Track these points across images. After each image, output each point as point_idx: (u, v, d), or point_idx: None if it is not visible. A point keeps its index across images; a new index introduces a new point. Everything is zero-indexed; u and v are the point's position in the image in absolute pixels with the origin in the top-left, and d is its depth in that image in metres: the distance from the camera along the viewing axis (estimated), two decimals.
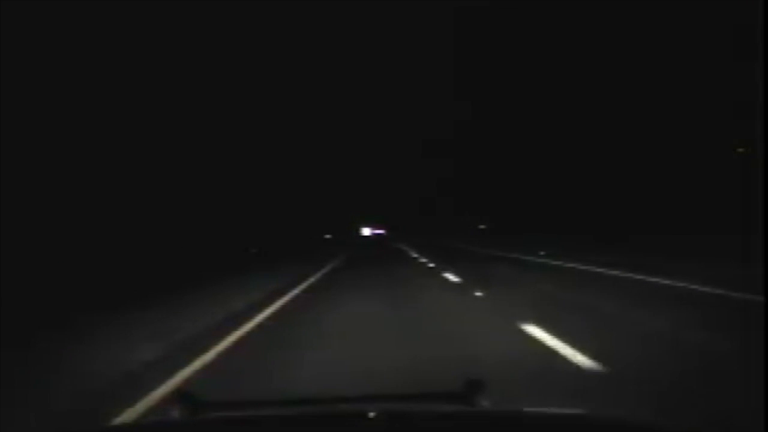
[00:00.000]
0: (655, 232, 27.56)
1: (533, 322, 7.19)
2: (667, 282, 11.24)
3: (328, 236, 77.07)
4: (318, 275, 18.01)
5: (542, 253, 22.34)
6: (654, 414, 3.81)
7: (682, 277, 11.33)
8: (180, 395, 1.98)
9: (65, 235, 20.07)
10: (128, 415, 4.30)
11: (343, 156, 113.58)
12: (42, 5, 20.09)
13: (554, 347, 5.92)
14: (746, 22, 24.67)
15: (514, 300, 9.99)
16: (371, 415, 1.78)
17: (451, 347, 6.18)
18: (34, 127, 19.86)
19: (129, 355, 6.30)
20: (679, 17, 32.07)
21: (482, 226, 72.17)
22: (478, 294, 11.03)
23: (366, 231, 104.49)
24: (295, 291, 13.22)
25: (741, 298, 8.84)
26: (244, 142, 41.37)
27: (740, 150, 28.06)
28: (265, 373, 5.50)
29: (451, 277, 14.71)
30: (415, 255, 24.76)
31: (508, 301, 9.98)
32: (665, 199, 33.57)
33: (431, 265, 20.30)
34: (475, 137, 70.39)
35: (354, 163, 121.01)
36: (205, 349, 6.60)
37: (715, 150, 30.31)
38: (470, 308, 9.34)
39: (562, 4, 43.04)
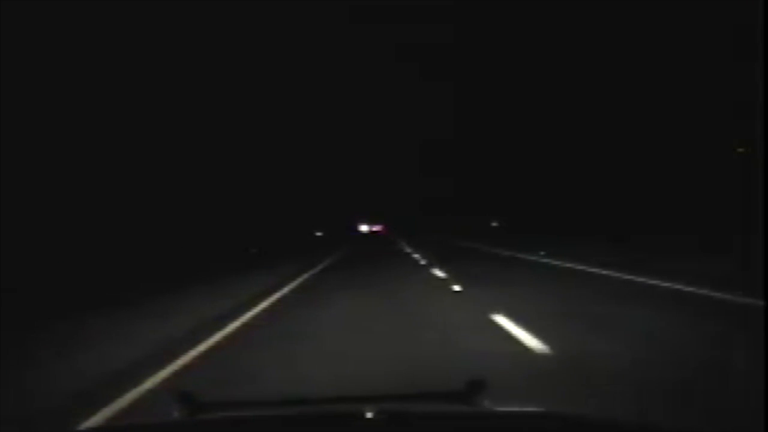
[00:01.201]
0: (656, 232, 27.53)
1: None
2: (669, 284, 11.28)
3: (318, 233, 71.42)
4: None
5: (542, 252, 22.31)
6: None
7: (677, 279, 11.39)
8: (180, 395, 1.97)
9: (65, 237, 20.06)
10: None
11: (345, 152, 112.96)
12: (42, 5, 20.11)
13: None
14: (746, 22, 24.67)
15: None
16: (371, 415, 1.78)
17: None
18: (35, 126, 19.87)
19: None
20: (679, 17, 32.08)
21: (494, 224, 69.93)
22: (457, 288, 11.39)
23: (364, 228, 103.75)
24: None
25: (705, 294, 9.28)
26: (242, 137, 41.30)
27: (740, 150, 28.05)
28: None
29: (439, 273, 14.83)
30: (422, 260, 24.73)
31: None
32: (666, 198, 33.57)
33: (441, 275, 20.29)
34: (482, 136, 70.40)
35: (355, 159, 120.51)
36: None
37: (715, 150, 30.30)
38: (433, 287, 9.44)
39: (567, 5, 43.11)
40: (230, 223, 36.30)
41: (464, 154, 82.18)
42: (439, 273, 15.94)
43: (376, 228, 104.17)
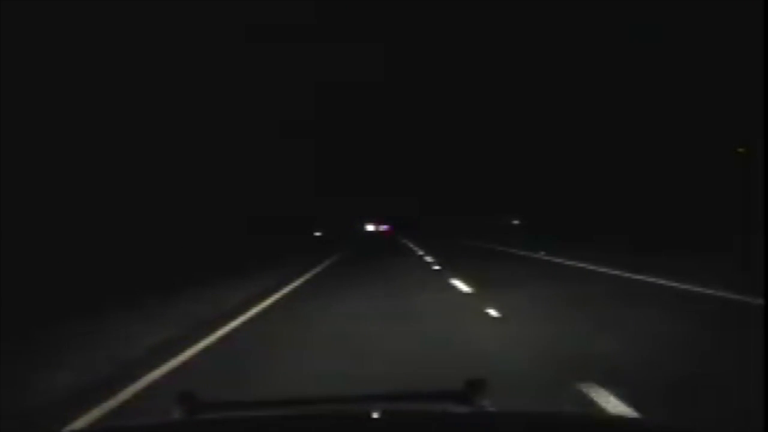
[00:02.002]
0: (656, 231, 27.51)
1: None
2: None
3: (317, 233, 67.13)
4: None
5: (543, 253, 22.19)
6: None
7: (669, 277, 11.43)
8: (180, 395, 1.97)
9: (67, 239, 19.97)
10: None
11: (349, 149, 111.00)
12: (42, 5, 20.10)
13: None
14: (747, 21, 24.69)
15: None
16: (371, 415, 1.78)
17: None
18: (35, 125, 19.85)
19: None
20: (680, 17, 32.16)
21: (515, 222, 64.67)
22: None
23: (370, 228, 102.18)
24: None
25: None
26: (240, 136, 40.93)
27: (740, 150, 28.08)
28: None
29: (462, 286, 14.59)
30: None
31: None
32: (666, 198, 33.59)
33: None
34: (489, 135, 70.28)
35: (359, 156, 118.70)
36: None
37: (715, 150, 30.32)
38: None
39: (571, 5, 43.22)
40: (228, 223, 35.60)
41: (466, 152, 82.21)
42: None
43: (382, 228, 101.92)
